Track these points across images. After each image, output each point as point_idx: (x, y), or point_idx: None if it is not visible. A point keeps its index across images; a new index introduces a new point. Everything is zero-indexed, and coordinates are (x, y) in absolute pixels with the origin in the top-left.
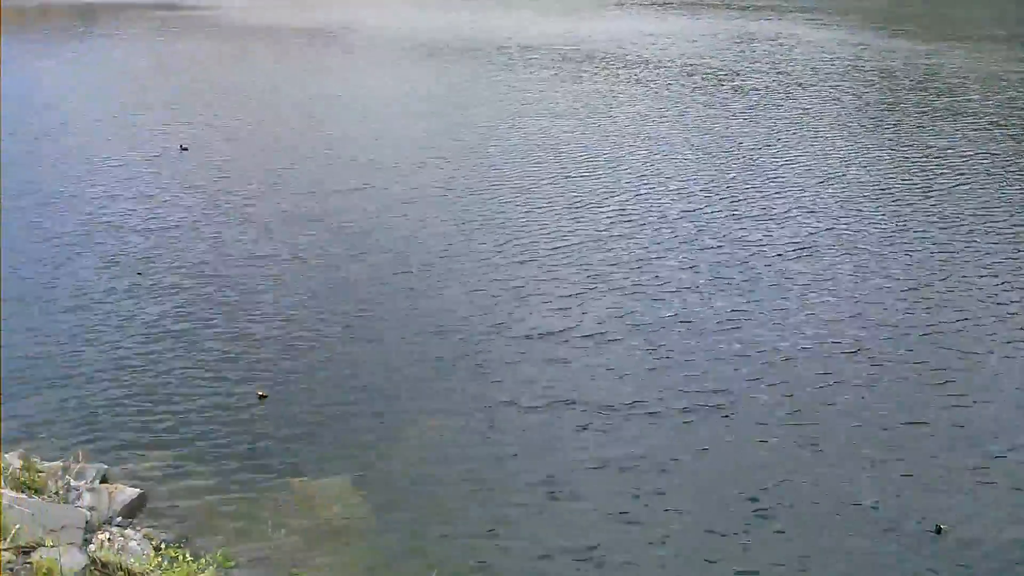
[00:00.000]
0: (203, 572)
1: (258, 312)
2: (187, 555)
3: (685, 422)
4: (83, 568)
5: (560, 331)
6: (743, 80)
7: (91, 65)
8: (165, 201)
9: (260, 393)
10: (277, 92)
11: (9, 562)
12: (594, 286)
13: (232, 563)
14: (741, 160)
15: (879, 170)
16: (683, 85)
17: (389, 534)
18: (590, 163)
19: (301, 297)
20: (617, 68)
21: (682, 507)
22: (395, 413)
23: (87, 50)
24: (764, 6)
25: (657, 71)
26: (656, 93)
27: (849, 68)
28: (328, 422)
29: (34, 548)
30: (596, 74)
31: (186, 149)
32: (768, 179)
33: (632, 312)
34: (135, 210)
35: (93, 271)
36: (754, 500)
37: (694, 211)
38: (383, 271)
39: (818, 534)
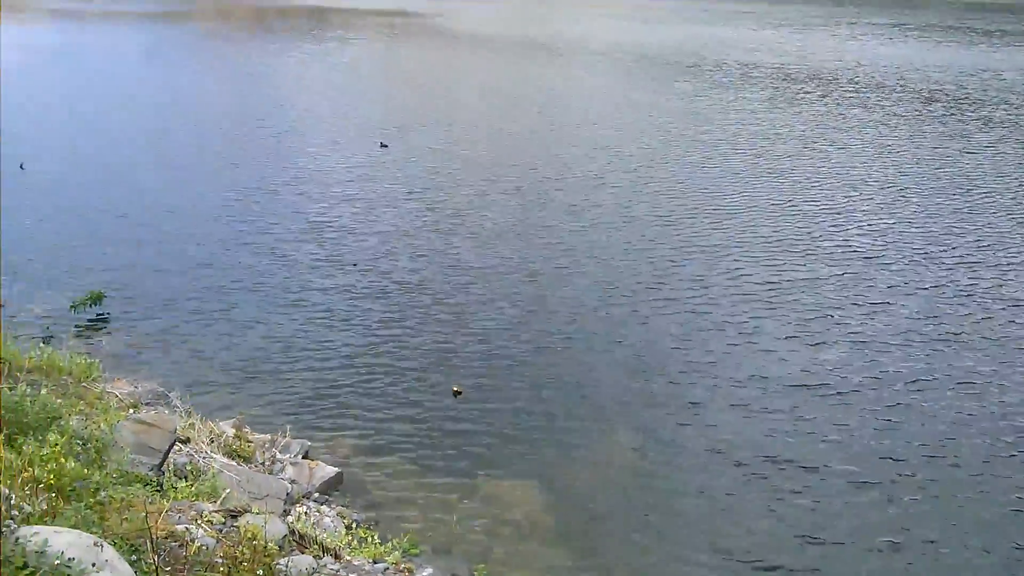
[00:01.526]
0: (389, 556)
1: (461, 318)
2: (375, 537)
3: (916, 496)
4: (283, 537)
5: (775, 377)
6: (988, 111)
7: (321, 65)
8: (374, 201)
9: (456, 389)
10: (492, 101)
11: (220, 523)
12: (816, 331)
13: (417, 551)
14: (987, 200)
15: None
16: (919, 113)
17: (568, 541)
18: (814, 192)
19: (504, 308)
20: (845, 91)
21: None
22: (587, 430)
23: (319, 51)
24: (1012, 31)
25: (890, 96)
26: (889, 120)
27: None
28: (518, 426)
29: (241, 513)
30: (824, 96)
31: (386, 146)
32: (1020, 223)
33: (858, 363)
34: (353, 212)
35: (309, 267)
36: None
37: (933, 253)
38: (589, 292)
39: None
